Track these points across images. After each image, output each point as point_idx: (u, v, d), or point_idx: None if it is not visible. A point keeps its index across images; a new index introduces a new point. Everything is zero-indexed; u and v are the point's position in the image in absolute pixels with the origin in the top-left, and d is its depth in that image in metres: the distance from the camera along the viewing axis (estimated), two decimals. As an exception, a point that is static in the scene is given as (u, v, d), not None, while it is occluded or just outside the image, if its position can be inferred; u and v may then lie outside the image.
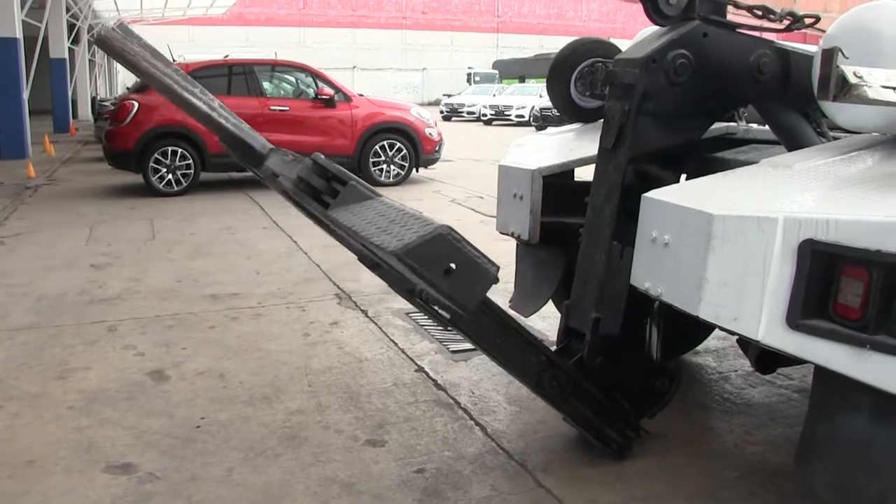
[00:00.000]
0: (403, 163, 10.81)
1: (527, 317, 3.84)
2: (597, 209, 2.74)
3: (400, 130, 10.73)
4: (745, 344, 2.87)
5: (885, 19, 2.24)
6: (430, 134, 10.99)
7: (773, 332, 1.93)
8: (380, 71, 44.07)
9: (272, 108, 10.19)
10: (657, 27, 2.80)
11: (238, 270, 5.98)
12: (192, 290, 5.40)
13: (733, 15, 2.74)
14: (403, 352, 4.17)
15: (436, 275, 1.59)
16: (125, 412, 3.43)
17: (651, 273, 2.28)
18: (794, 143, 2.70)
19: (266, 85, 10.55)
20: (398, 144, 10.73)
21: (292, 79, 10.98)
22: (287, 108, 10.26)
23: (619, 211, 2.62)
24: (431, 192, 10.35)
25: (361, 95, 11.03)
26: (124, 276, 5.79)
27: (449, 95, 38.61)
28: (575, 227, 2.95)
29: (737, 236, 1.99)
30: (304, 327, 4.60)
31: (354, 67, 36.37)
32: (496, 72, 43.85)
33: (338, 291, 5.37)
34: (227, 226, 7.85)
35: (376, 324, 4.66)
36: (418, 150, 10.86)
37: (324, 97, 10.31)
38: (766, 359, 2.58)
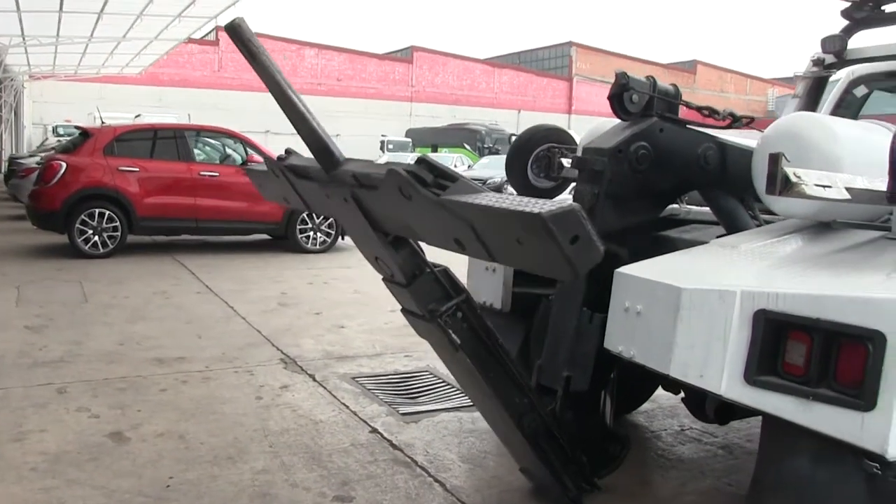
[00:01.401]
0: (330, 230, 11.04)
1: None
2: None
3: (327, 199, 10.97)
4: (693, 403, 3.27)
5: (812, 128, 2.72)
6: (356, 203, 11.27)
7: (733, 387, 2.29)
8: (293, 136, 44.18)
9: (202, 173, 10.32)
10: (605, 119, 3.24)
11: (179, 335, 6.07)
12: (137, 354, 5.47)
13: (684, 113, 3.19)
14: (356, 414, 4.39)
15: (565, 240, 1.80)
16: (92, 472, 3.52)
17: (624, 338, 2.61)
18: (732, 224, 3.16)
19: (195, 150, 10.68)
20: (325, 212, 10.96)
21: (220, 145, 11.16)
22: (216, 174, 10.40)
23: (589, 282, 2.98)
24: (357, 259, 10.53)
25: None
26: (64, 339, 5.80)
27: (361, 162, 39.00)
28: (540, 296, 3.31)
29: (701, 306, 2.36)
30: (255, 391, 4.76)
31: (268, 132, 36.45)
32: (409, 140, 44.68)
33: (282, 356, 5.54)
34: (161, 290, 7.89)
35: (325, 388, 4.86)
36: (345, 219, 11.11)
37: (253, 164, 10.50)
38: (724, 411, 2.95)
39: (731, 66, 72.37)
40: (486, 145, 39.79)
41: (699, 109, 3.22)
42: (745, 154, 3.08)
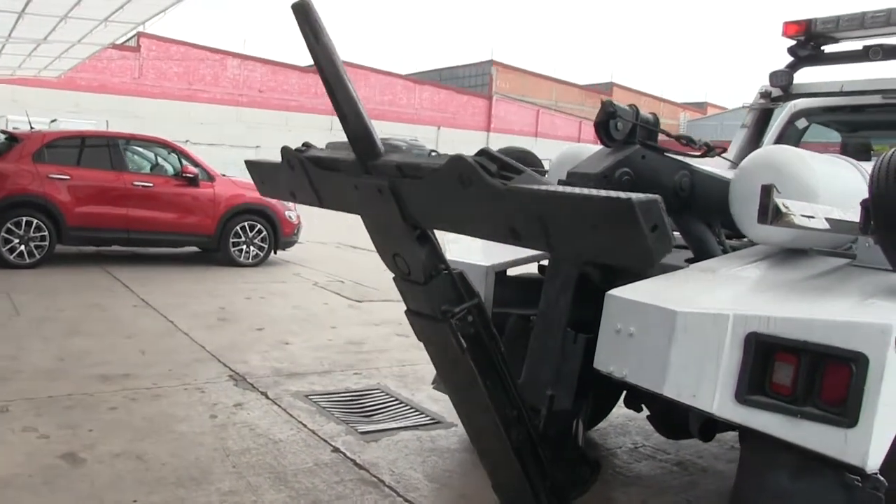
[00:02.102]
0: (263, 244, 10.88)
1: None
2: (551, 300, 3.15)
3: (261, 212, 10.82)
4: (660, 420, 3.39)
5: (790, 161, 2.88)
6: (290, 217, 11.17)
7: (725, 407, 2.40)
8: (213, 146, 43.34)
9: (135, 183, 10.01)
10: (575, 145, 3.32)
11: (122, 350, 5.88)
12: (80, 370, 5.28)
13: (662, 141, 3.32)
14: (314, 433, 4.35)
15: (648, 228, 1.83)
16: (48, 497, 3.39)
17: (616, 359, 2.67)
18: (700, 248, 3.30)
19: (129, 160, 10.37)
20: (258, 226, 10.81)
21: (154, 154, 10.86)
22: (151, 185, 10.11)
23: (574, 302, 3.06)
24: (291, 274, 10.48)
25: (224, 175, 11.06)
26: (-1, 354, 5.55)
27: (283, 174, 38.51)
28: (514, 316, 3.36)
29: (695, 329, 2.45)
30: (209, 409, 4.66)
31: (187, 141, 35.53)
32: (330, 154, 44.35)
33: (231, 373, 5.44)
34: (95, 303, 7.61)
35: (279, 406, 4.80)
36: (278, 233, 10.99)
37: (188, 175, 10.27)
38: (708, 428, 3.05)
39: (645, 90, 74.91)
40: (407, 161, 39.83)
41: (677, 138, 3.35)
42: (715, 181, 3.24)
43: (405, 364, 6.01)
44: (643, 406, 3.71)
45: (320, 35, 2.31)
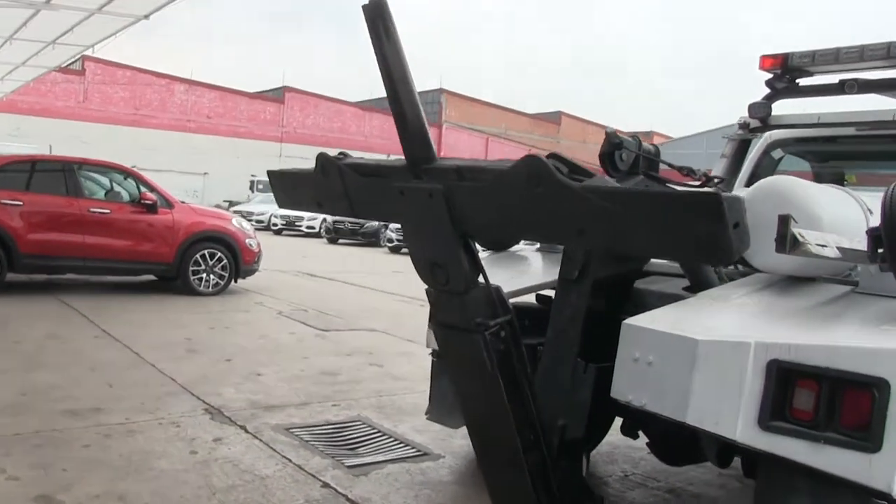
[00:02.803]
0: (224, 273, 10.63)
1: (457, 428, 4.09)
2: (559, 330, 3.09)
3: (221, 240, 10.59)
4: (659, 447, 3.36)
5: (795, 190, 2.89)
6: (251, 245, 10.96)
7: (747, 433, 2.38)
8: (160, 172, 42.43)
9: (92, 210, 9.69)
10: None
11: (87, 383, 5.62)
12: (45, 405, 5.01)
13: (663, 171, 3.31)
14: (301, 468, 4.19)
15: (731, 224, 1.81)
16: (28, 542, 3.18)
17: (633, 387, 2.64)
18: (697, 277, 3.28)
19: (85, 186, 10.04)
20: (219, 254, 10.57)
21: (109, 180, 10.54)
22: (107, 211, 9.80)
23: (583, 332, 3.00)
24: (254, 303, 10.25)
25: (184, 202, 10.81)
26: (-44, 389, 5.25)
27: (230, 202, 38.04)
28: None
29: (717, 357, 2.44)
30: (188, 444, 4.46)
31: (134, 167, 35.05)
32: (280, 181, 43.90)
33: (206, 406, 5.23)
34: (52, 333, 7.29)
35: (260, 440, 4.62)
36: (238, 261, 10.75)
37: (147, 202, 9.99)
38: (724, 454, 3.00)
39: (592, 119, 76.26)
40: (358, 188, 39.55)
41: (679, 169, 3.35)
42: None
43: (382, 395, 5.88)
44: (639, 433, 3.68)
45: (392, 33, 2.33)
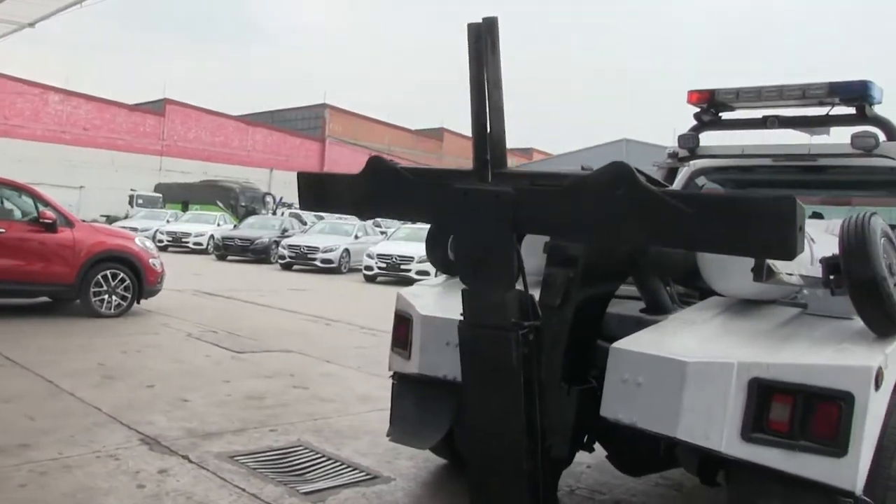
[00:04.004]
0: (126, 294, 10.14)
1: (423, 447, 4.12)
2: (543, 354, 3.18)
3: (124, 259, 10.10)
4: (618, 459, 3.62)
5: None
6: (154, 264, 10.52)
7: (732, 445, 2.62)
8: (64, 188, 40.13)
9: (-16, 229, 9.05)
10: None
11: (6, 417, 5.24)
12: (-34, 442, 4.66)
13: None
14: (257, 497, 4.09)
15: (799, 226, 2.15)
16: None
17: (623, 407, 2.82)
18: (654, 300, 3.51)
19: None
20: (122, 274, 10.09)
21: (1, 197, 9.85)
22: (2, 231, 9.17)
23: (565, 356, 3.10)
24: (160, 325, 9.84)
25: (84, 221, 10.25)
26: None
27: (108, 217, 36.32)
28: None
29: (704, 377, 2.66)
30: (133, 478, 4.25)
31: (41, 184, 32.78)
32: (160, 195, 42.26)
33: (141, 436, 5.00)
34: (-48, 363, 6.77)
35: (207, 469, 4.47)
36: (142, 281, 10.29)
37: (46, 220, 9.41)
38: (709, 467, 3.12)
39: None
40: (241, 203, 38.51)
41: None
42: None
43: (317, 418, 5.81)
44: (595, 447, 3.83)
45: (497, 47, 2.60)
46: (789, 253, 2.13)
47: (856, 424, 2.50)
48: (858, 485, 2.53)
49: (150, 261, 10.47)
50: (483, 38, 2.58)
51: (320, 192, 3.37)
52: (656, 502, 4.40)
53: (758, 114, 4.74)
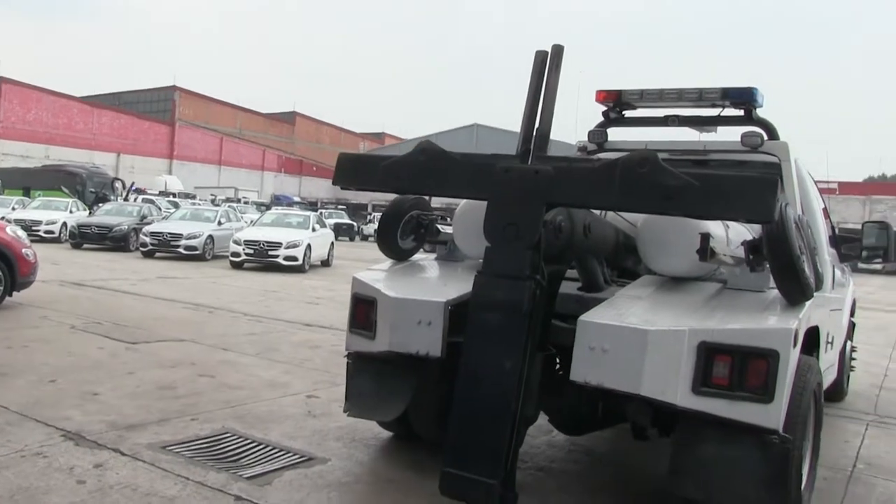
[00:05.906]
0: (-4, 283, 9.49)
1: (387, 419, 4.40)
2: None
3: (-6, 251, 9.45)
4: (558, 421, 4.16)
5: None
6: (27, 255, 9.88)
7: (686, 399, 3.07)
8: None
9: None
10: (467, 202, 4.08)
11: None
12: None
13: None
14: (203, 484, 4.09)
15: (780, 196, 2.85)
16: None
17: (591, 371, 3.16)
18: (591, 280, 3.87)
19: None
20: (-8, 266, 9.42)
21: None
22: None
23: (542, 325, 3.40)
24: (38, 318, 9.27)
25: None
26: None
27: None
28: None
29: (662, 342, 3.07)
30: (69, 475, 4.11)
31: None
32: (-1, 181, 38.95)
33: (62, 432, 4.80)
34: None
35: (144, 461, 4.39)
36: (15, 273, 9.63)
37: None
38: (665, 421, 3.55)
39: (326, 120, 76.43)
40: (89, 189, 36.10)
41: None
42: (608, 226, 3.94)
43: (234, 405, 5.78)
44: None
45: (560, 67, 3.23)
46: (771, 216, 2.71)
47: (780, 376, 3.01)
48: (781, 424, 3.05)
49: (24, 251, 9.84)
50: (552, 61, 3.16)
51: (362, 171, 3.70)
52: (573, 467, 4.77)
53: (660, 113, 5.21)
